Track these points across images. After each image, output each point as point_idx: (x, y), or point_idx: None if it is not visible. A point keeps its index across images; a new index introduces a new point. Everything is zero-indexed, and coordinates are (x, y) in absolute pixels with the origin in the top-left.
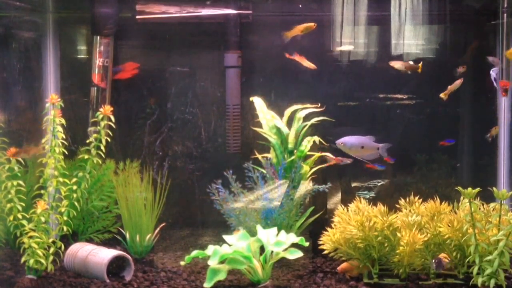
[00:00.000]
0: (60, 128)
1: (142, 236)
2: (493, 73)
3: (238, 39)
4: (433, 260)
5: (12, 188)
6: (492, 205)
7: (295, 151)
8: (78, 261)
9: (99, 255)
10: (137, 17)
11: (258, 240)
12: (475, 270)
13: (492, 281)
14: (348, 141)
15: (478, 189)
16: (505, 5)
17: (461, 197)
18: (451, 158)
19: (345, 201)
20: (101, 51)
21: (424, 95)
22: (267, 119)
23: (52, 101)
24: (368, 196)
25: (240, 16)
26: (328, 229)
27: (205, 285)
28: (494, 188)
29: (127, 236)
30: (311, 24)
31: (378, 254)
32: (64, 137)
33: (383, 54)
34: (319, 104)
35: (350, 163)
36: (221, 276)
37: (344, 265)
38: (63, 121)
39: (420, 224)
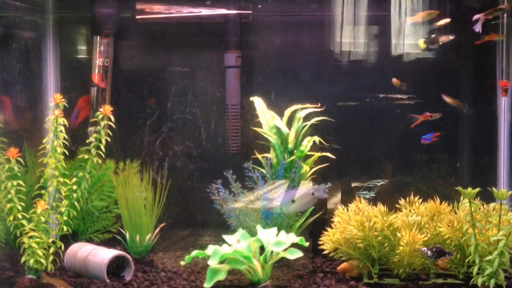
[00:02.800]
0: (62, 128)
1: (142, 236)
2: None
3: (238, 39)
4: (428, 249)
5: (12, 188)
6: (492, 205)
7: (295, 151)
8: (78, 261)
9: (99, 255)
10: (137, 17)
11: (258, 240)
12: (475, 270)
13: (492, 281)
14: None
15: (478, 189)
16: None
17: (461, 197)
18: (451, 158)
19: (345, 201)
20: (101, 51)
21: (424, 95)
22: (267, 119)
23: (56, 101)
24: (368, 196)
25: (240, 16)
26: (328, 229)
27: (205, 285)
28: (494, 188)
29: (127, 236)
30: (434, 11)
31: (378, 254)
32: (65, 137)
33: (383, 54)
34: (319, 104)
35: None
36: (221, 276)
37: (344, 265)
38: (65, 121)
39: (420, 224)
